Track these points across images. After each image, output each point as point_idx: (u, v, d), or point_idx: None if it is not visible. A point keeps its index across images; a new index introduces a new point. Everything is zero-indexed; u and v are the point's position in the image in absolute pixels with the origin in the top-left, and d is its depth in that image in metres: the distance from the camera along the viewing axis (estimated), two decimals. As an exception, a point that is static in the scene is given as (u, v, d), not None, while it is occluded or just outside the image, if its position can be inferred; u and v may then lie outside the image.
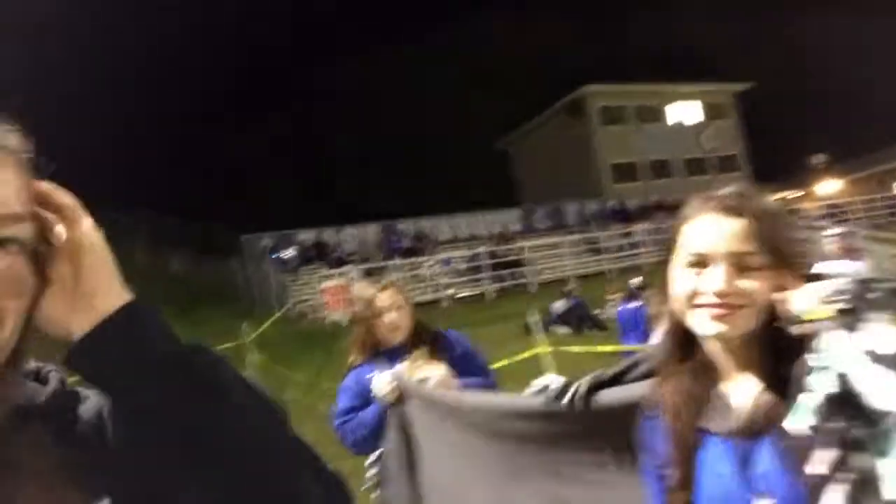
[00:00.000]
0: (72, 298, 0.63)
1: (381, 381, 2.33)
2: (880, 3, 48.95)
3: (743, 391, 1.07)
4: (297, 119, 47.40)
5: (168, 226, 24.53)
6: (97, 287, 0.65)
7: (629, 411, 1.27)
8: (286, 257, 19.53)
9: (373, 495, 2.24)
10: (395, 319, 2.59)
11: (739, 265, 1.03)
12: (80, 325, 0.62)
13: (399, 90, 47.55)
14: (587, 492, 1.61)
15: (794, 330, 0.96)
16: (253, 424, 0.63)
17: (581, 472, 1.62)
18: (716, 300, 1.03)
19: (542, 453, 1.73)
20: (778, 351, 1.01)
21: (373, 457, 2.37)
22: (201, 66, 46.71)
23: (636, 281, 8.58)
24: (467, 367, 2.46)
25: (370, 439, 2.42)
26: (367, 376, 2.51)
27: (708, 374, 1.12)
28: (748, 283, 1.03)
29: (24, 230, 0.61)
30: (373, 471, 2.29)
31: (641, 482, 1.29)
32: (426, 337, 2.56)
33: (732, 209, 1.06)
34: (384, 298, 2.63)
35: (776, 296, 1.02)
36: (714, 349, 1.10)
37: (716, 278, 1.03)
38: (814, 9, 48.21)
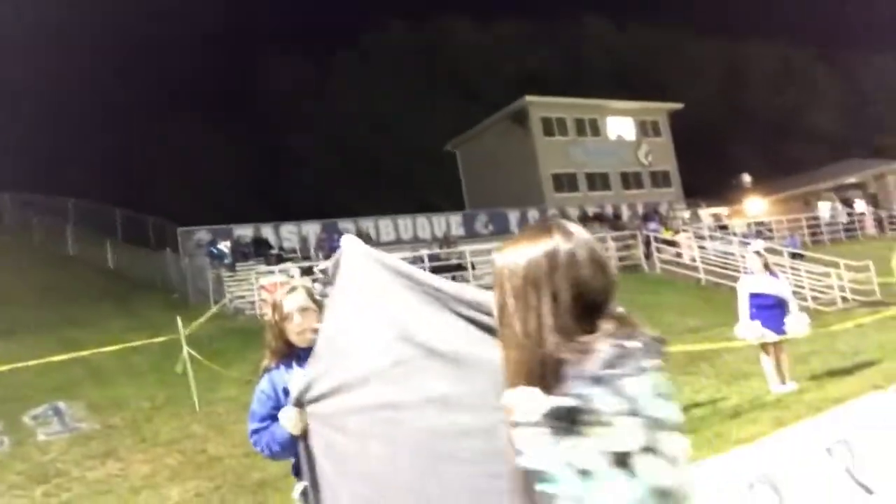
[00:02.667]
0: None
1: (286, 416, 2.23)
2: (810, 33, 51.81)
3: None
4: (243, 112, 46.27)
5: (102, 214, 23.76)
6: None
7: None
8: (218, 251, 19.15)
9: None
10: (301, 322, 2.56)
11: None
12: None
13: (347, 86, 46.93)
14: None
15: None
16: None
17: None
18: None
19: None
20: None
21: (298, 488, 2.31)
22: (153, 55, 45.15)
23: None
24: None
25: (282, 454, 2.41)
26: (283, 377, 2.53)
27: None
28: None
29: None
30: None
31: None
32: None
33: None
34: (291, 302, 2.61)
35: None
36: None
37: None
38: (746, 34, 50.54)
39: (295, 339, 2.59)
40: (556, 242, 1.20)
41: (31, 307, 14.79)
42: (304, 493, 2.22)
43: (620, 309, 1.21)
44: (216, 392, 10.05)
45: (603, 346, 1.10)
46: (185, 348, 10.20)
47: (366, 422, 1.95)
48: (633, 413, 1.04)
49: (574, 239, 1.21)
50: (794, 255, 18.92)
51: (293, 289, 2.69)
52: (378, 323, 1.96)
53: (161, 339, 10.77)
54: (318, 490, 2.15)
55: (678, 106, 35.41)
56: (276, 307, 2.63)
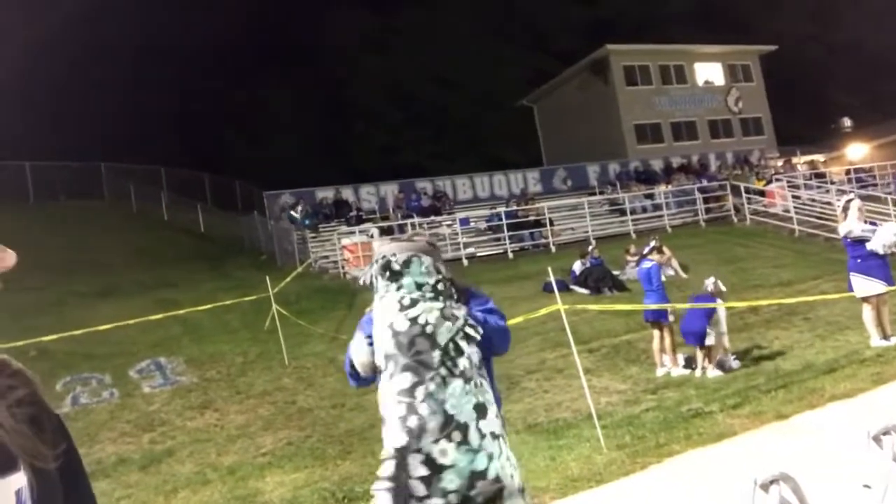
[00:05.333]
0: None
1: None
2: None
3: None
4: (319, 74, 46.88)
5: (192, 180, 24.86)
6: None
7: None
8: (291, 216, 19.63)
9: None
10: None
11: None
12: None
13: (422, 42, 46.61)
14: None
15: None
16: None
17: None
18: None
19: None
20: None
21: None
22: (226, 17, 46.23)
23: (651, 243, 8.57)
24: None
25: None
26: None
27: None
28: None
29: None
30: None
31: None
32: None
33: None
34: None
35: None
36: None
37: None
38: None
39: None
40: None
41: (130, 269, 15.73)
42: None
43: None
44: (304, 347, 10.44)
45: None
46: (274, 306, 10.63)
47: None
48: None
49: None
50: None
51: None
52: None
53: (251, 297, 11.25)
54: None
55: (771, 48, 33.22)
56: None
